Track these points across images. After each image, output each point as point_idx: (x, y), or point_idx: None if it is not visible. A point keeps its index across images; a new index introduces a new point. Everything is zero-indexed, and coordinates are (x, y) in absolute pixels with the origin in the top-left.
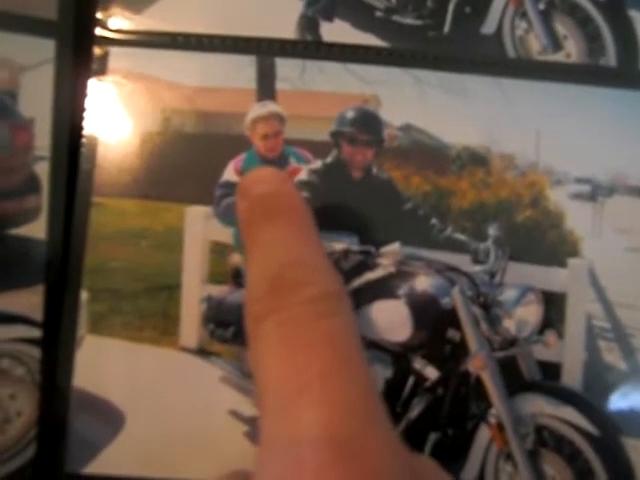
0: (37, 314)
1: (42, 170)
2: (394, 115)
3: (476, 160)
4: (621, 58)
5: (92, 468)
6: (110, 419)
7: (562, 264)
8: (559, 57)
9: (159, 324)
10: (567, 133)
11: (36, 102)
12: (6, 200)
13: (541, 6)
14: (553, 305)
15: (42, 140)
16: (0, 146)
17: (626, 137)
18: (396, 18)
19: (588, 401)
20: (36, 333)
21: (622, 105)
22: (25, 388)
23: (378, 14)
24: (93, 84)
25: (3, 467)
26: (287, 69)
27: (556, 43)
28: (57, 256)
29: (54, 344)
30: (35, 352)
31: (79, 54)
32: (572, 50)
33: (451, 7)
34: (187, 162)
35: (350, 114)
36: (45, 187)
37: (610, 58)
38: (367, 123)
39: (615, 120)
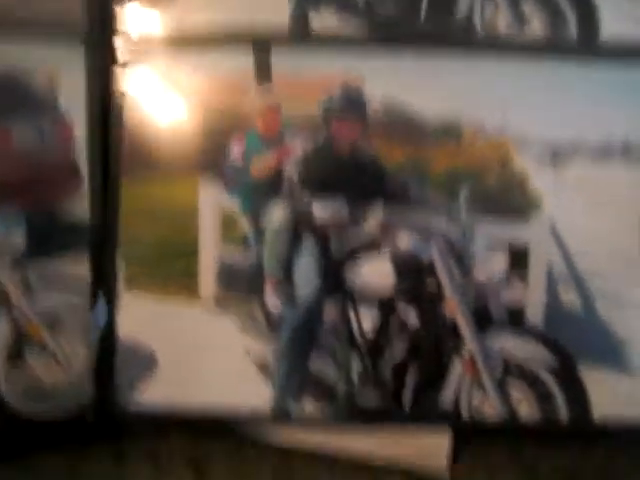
0: (86, 277)
1: (81, 155)
2: (376, 93)
3: (449, 130)
4: (581, 32)
5: (135, 401)
6: (146, 361)
7: (526, 219)
8: (524, 34)
9: (182, 282)
10: (532, 103)
11: (72, 97)
12: (54, 184)
13: None
14: (518, 255)
15: (79, 130)
16: (46, 139)
17: (586, 103)
18: (375, 9)
19: (548, 336)
20: (86, 292)
21: (582, 74)
22: (81, 337)
23: (360, 5)
24: (118, 76)
25: (68, 400)
26: (281, 57)
27: (521, 20)
28: (98, 229)
29: (100, 301)
30: (87, 307)
31: (104, 51)
32: (536, 27)
33: None
34: (198, 139)
35: (338, 94)
36: (85, 170)
37: (571, 32)
38: (353, 102)
39: (575, 88)
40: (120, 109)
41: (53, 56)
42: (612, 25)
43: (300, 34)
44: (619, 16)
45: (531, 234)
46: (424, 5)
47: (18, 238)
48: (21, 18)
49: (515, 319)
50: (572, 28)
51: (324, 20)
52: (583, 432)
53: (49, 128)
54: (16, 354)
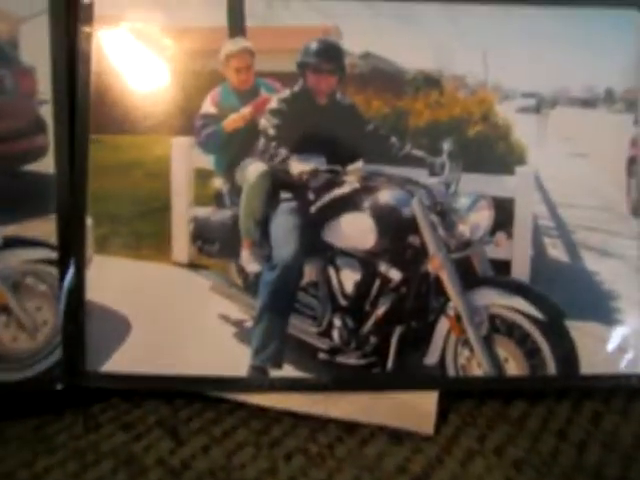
0: (53, 239)
1: (47, 113)
2: (354, 45)
3: (430, 82)
4: None
5: (107, 367)
6: (118, 326)
7: (510, 172)
8: None
9: (154, 243)
10: (513, 52)
11: (36, 51)
12: (17, 140)
13: None
14: (503, 209)
15: (44, 85)
16: (7, 91)
17: (568, 52)
18: None
19: (535, 291)
20: (53, 255)
21: (563, 22)
22: (48, 301)
23: None
24: (83, 31)
25: (36, 367)
26: (255, 6)
27: None
28: (65, 188)
29: (68, 264)
30: (54, 271)
31: (70, 3)
32: None
33: None
34: (170, 97)
35: (314, 46)
36: (50, 127)
37: None
38: (330, 53)
39: (557, 37)
40: (87, 65)
41: (14, 3)
42: None
43: None
44: None
45: (516, 187)
46: None
47: None
48: None
49: (501, 274)
50: None
51: None
52: (572, 387)
53: (10, 79)
54: None
